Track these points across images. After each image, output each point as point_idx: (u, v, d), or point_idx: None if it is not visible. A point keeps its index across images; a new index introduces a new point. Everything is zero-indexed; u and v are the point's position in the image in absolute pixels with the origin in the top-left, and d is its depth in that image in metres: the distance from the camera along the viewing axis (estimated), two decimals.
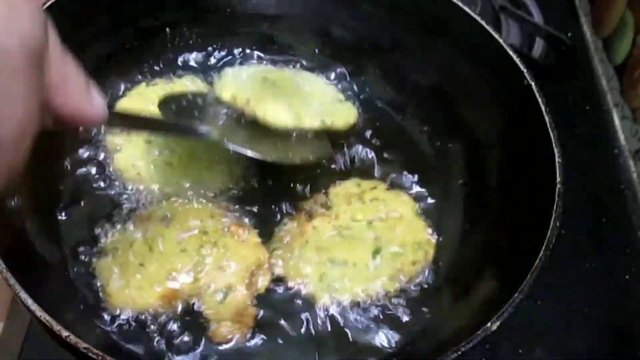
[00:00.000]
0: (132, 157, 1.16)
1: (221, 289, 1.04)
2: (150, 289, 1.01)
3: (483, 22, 1.13)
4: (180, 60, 1.33)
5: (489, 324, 0.86)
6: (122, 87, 1.27)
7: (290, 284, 1.08)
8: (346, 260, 1.09)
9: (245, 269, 1.05)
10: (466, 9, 1.14)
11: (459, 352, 0.84)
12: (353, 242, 1.11)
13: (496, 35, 1.12)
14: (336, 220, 1.13)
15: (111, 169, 1.16)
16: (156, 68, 1.30)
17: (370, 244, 1.11)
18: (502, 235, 1.10)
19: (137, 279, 1.02)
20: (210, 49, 1.36)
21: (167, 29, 1.31)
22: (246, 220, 1.13)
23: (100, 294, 1.03)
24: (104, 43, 1.22)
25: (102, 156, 1.18)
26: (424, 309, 1.09)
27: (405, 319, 1.07)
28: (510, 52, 1.10)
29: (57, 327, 0.78)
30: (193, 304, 1.03)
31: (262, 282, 1.07)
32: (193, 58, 1.34)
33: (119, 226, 1.08)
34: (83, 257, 1.06)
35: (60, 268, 1.05)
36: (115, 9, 1.20)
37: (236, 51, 1.37)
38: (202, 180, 1.15)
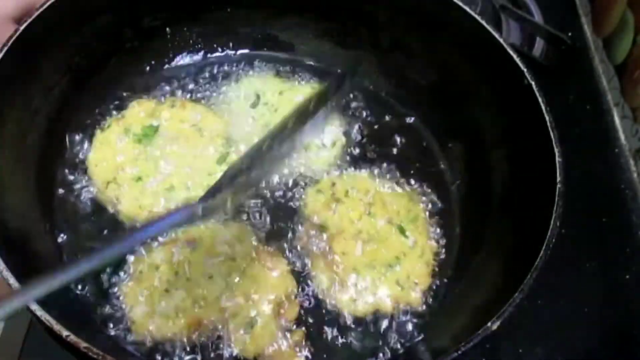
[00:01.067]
0: None
1: (248, 319, 1.01)
2: (176, 317, 0.99)
3: (483, 22, 1.13)
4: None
5: (489, 324, 0.86)
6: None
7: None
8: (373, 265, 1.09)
9: (274, 300, 1.02)
10: (466, 8, 1.14)
11: (460, 352, 0.84)
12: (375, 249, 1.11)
13: (496, 35, 1.12)
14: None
15: None
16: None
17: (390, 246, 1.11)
18: (503, 235, 1.10)
19: (162, 306, 0.99)
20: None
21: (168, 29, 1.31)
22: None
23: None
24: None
25: None
26: (425, 308, 1.09)
27: (407, 319, 1.08)
28: (511, 52, 1.10)
29: (57, 326, 0.78)
30: (218, 335, 1.00)
31: (291, 313, 1.04)
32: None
33: (142, 248, 1.06)
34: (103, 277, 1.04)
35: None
36: (116, 9, 1.19)
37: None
38: None
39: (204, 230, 1.08)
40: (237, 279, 1.02)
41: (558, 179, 0.97)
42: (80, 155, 1.18)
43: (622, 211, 1.38)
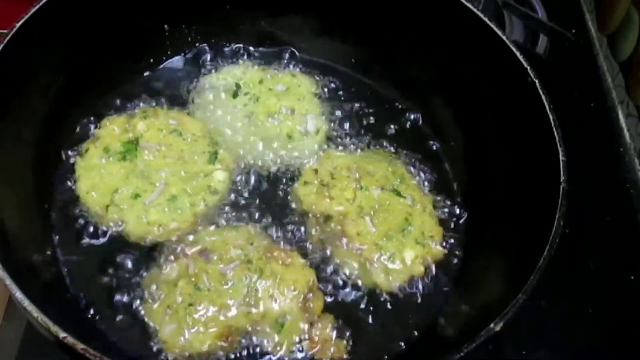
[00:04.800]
0: None
1: (277, 318, 1.00)
2: (206, 329, 0.98)
3: (486, 19, 1.12)
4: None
5: (492, 325, 0.85)
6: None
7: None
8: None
9: (297, 295, 1.02)
10: (469, 5, 1.13)
11: (463, 353, 0.83)
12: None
13: (499, 32, 1.11)
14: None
15: None
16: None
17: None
18: (505, 235, 1.09)
19: (190, 320, 0.98)
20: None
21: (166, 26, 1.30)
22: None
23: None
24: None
25: None
26: (428, 310, 1.08)
27: (411, 319, 1.07)
28: (514, 49, 1.09)
29: (54, 327, 0.77)
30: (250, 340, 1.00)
31: (317, 303, 1.04)
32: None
33: (153, 267, 1.05)
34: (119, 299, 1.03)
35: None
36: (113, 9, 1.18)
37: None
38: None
39: (213, 239, 1.07)
40: (257, 281, 1.02)
41: (562, 178, 0.96)
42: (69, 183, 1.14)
43: (626, 210, 1.36)
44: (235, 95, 1.26)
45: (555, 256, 0.90)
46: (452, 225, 1.17)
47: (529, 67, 1.06)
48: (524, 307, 0.87)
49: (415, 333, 1.06)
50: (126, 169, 1.12)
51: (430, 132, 1.29)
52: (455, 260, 1.14)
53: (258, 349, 1.00)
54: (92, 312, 1.02)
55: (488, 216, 1.15)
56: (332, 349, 1.01)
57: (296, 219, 1.15)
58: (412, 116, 1.31)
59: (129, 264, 1.06)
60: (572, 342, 1.18)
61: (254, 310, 1.00)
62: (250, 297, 1.01)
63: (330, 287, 1.08)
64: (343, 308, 1.06)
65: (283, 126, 1.22)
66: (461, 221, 1.18)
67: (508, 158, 1.14)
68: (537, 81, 1.05)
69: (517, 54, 1.08)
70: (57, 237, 1.09)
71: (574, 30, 1.52)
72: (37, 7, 1.03)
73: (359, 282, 1.09)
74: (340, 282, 1.09)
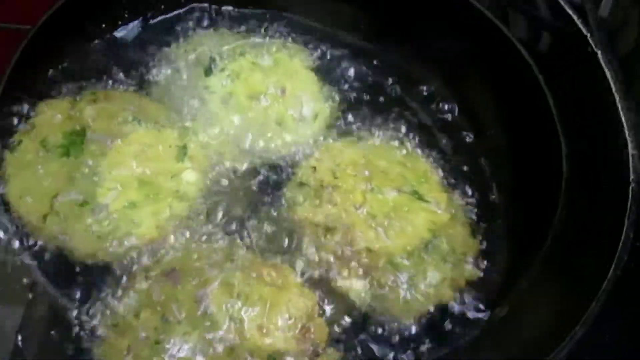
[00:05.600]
0: None
1: (269, 355, 0.82)
2: None
3: (491, 15, 1.09)
4: None
5: None
6: None
7: None
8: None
9: (294, 324, 0.84)
10: (473, 1, 1.09)
11: None
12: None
13: (504, 29, 1.09)
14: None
15: None
16: None
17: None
18: (556, 251, 0.95)
19: None
20: None
21: None
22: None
23: None
24: None
25: None
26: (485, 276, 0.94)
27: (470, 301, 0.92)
28: (518, 46, 1.08)
29: None
30: None
31: (320, 333, 0.86)
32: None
33: (106, 295, 0.86)
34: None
35: None
36: None
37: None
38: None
39: (183, 255, 0.89)
40: (242, 310, 0.83)
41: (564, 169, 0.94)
42: None
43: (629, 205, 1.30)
44: (208, 72, 1.03)
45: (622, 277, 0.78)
46: (488, 239, 1.00)
47: (532, 63, 1.05)
48: (581, 342, 0.74)
49: None
50: (69, 167, 0.92)
51: (462, 121, 1.13)
52: (493, 282, 0.96)
53: None
54: None
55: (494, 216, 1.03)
56: None
57: (289, 229, 0.94)
58: (442, 104, 1.13)
59: (76, 292, 0.88)
60: None
61: (238, 349, 0.81)
62: (234, 332, 0.81)
63: (334, 312, 0.90)
64: (352, 338, 0.89)
65: (270, 110, 1.01)
66: (499, 232, 1.01)
67: (511, 153, 1.08)
68: (541, 77, 1.04)
69: (522, 50, 1.07)
70: None
71: (575, 27, 1.49)
72: None
73: (371, 308, 0.91)
74: (346, 308, 0.91)
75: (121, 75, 1.05)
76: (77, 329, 0.86)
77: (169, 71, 1.06)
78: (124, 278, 0.88)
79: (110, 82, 1.05)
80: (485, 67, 1.12)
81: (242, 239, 0.94)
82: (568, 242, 0.93)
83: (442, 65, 1.15)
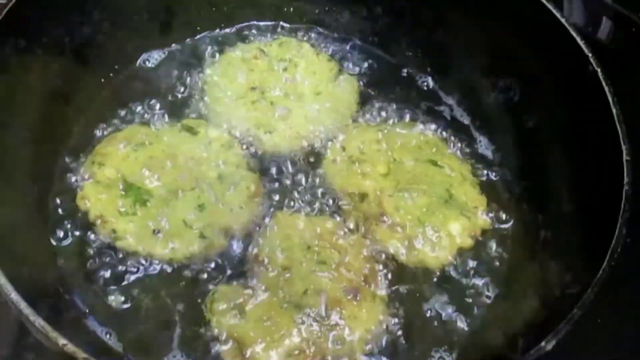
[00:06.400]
0: None
1: None
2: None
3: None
4: None
5: (543, 343, 0.77)
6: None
7: None
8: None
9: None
10: None
11: None
12: None
13: (557, 14, 1.02)
14: None
15: None
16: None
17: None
18: (557, 240, 1.01)
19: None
20: None
21: None
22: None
23: None
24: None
25: None
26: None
27: (460, 325, 1.00)
28: (573, 33, 1.00)
29: (53, 334, 0.72)
30: None
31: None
32: None
33: None
34: None
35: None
36: None
37: None
38: None
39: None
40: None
41: (625, 180, 0.87)
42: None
43: None
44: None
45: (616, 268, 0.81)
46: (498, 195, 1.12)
47: (590, 54, 0.98)
48: (578, 323, 0.78)
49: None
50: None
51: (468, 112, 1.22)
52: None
53: None
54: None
55: (539, 218, 1.06)
56: None
57: (327, 199, 1.08)
58: (446, 99, 1.24)
59: None
60: None
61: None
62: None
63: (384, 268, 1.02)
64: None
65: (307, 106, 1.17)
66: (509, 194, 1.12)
67: (565, 156, 1.05)
68: (599, 70, 0.96)
69: (577, 38, 1.00)
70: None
71: None
72: None
73: (404, 261, 1.02)
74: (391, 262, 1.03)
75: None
76: None
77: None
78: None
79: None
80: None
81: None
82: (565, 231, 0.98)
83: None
